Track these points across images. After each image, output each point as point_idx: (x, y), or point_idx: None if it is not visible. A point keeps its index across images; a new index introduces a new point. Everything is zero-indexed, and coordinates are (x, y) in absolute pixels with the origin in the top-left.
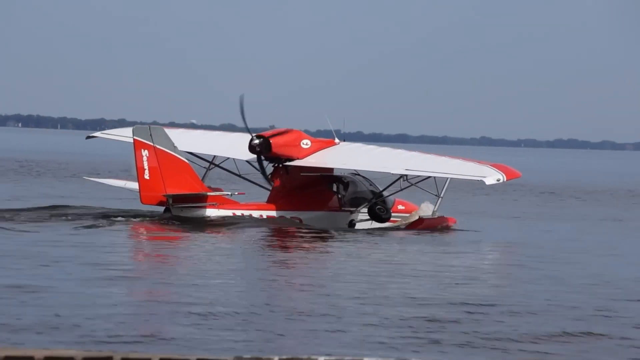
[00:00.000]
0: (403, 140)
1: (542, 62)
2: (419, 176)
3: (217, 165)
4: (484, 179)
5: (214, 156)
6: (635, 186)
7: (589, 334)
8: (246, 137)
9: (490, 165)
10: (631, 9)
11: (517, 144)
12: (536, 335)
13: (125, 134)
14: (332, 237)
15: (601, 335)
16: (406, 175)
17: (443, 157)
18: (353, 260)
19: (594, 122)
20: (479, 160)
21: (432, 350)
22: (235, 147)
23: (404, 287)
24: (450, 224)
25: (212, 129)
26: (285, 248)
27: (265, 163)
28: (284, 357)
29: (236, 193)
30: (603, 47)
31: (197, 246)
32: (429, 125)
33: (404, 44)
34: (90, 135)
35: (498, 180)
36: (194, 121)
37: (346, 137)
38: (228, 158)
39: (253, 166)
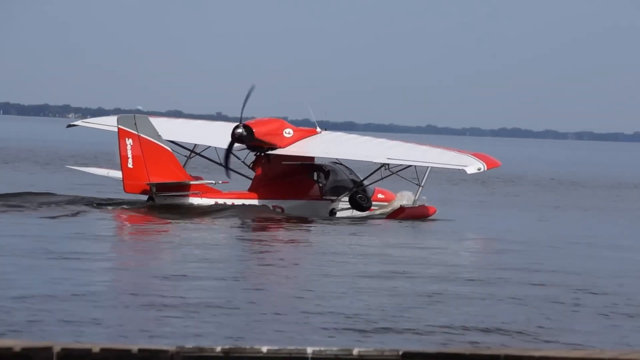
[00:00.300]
0: (351, 128)
1: (487, 51)
2: (400, 165)
3: (198, 154)
4: (465, 168)
5: (195, 145)
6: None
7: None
8: (228, 126)
9: (471, 155)
10: None
11: (462, 132)
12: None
13: (106, 123)
14: (312, 226)
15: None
16: (388, 164)
17: (424, 147)
18: (330, 251)
19: (537, 112)
20: (459, 149)
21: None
22: (217, 135)
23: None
24: (431, 213)
25: (158, 115)
26: (266, 237)
27: (240, 152)
28: (227, 346)
29: (220, 182)
30: (547, 36)
31: (178, 235)
32: (376, 114)
33: (353, 36)
34: (71, 124)
35: (479, 169)
36: (139, 107)
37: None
38: (209, 147)
39: (234, 155)
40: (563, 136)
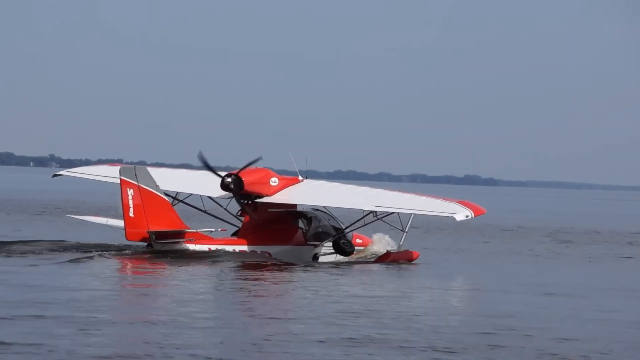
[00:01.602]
0: None
1: (325, 94)
2: (385, 212)
3: (181, 201)
4: (454, 215)
5: (177, 192)
6: None
7: None
8: (209, 175)
9: (457, 202)
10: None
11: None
12: None
13: (90, 172)
14: (298, 270)
15: None
16: (375, 212)
17: (409, 194)
18: (314, 293)
19: (372, 155)
20: (444, 197)
21: None
22: (199, 183)
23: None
24: (415, 257)
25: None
26: (257, 280)
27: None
28: None
29: (219, 230)
30: (384, 91)
31: (175, 279)
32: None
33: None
34: (57, 173)
35: (467, 216)
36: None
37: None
38: (191, 194)
39: (216, 202)
40: (397, 179)
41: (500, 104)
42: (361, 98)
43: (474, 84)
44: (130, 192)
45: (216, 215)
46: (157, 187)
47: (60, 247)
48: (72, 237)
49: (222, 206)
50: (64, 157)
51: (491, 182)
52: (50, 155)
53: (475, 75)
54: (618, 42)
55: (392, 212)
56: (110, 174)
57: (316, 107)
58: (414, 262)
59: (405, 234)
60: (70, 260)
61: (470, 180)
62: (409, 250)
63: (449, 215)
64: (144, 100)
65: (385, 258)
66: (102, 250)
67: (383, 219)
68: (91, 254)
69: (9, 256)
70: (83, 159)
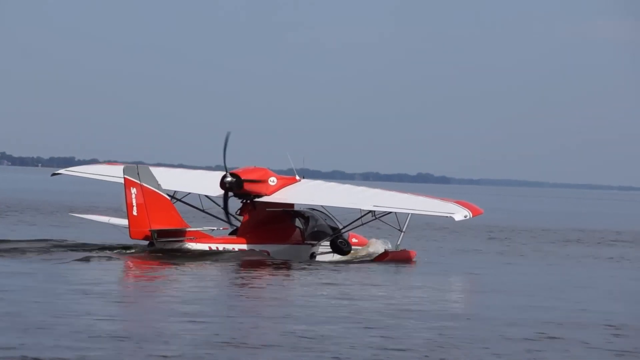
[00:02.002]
0: None
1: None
2: (384, 212)
3: (180, 200)
4: (452, 215)
5: (174, 191)
6: None
7: None
8: (207, 174)
9: (455, 202)
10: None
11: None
12: None
13: (89, 171)
14: (297, 269)
15: None
16: (374, 211)
17: (406, 194)
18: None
19: (325, 153)
20: (441, 197)
21: None
22: (196, 183)
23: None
24: (412, 256)
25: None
26: (256, 279)
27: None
28: None
29: (221, 228)
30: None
31: (176, 277)
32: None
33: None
34: (55, 172)
35: (465, 216)
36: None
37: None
38: (189, 193)
39: (213, 201)
40: (350, 177)
41: (452, 102)
42: (313, 95)
43: (426, 82)
44: (133, 190)
45: (213, 214)
46: (159, 186)
47: (63, 246)
48: (73, 236)
49: (219, 205)
50: (15, 154)
51: (444, 180)
52: (1, 153)
53: (428, 73)
54: (570, 42)
55: (390, 212)
56: (108, 172)
57: (269, 103)
58: (411, 261)
59: (402, 233)
60: (75, 260)
61: (422, 178)
62: (407, 249)
63: (448, 215)
64: (108, 97)
65: (383, 257)
66: (104, 249)
67: (381, 218)
68: (94, 254)
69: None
70: (35, 156)
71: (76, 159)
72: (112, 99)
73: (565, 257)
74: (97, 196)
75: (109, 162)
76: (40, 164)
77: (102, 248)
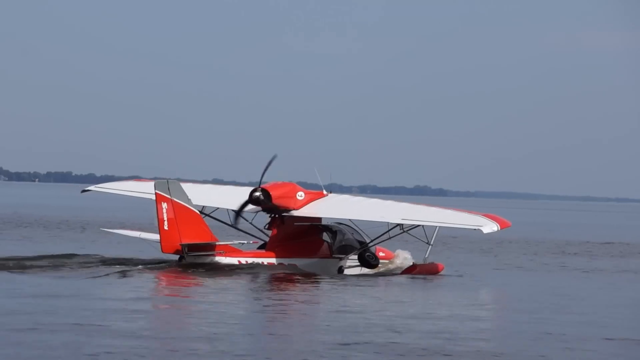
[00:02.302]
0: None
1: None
2: (412, 225)
3: (208, 215)
4: (481, 228)
5: (203, 206)
6: None
7: None
8: (235, 189)
9: (483, 215)
10: None
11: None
12: None
13: (118, 187)
14: (326, 282)
15: None
16: (402, 225)
17: (434, 207)
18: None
19: (322, 166)
20: (468, 210)
21: None
22: (225, 198)
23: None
24: (440, 269)
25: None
26: (285, 292)
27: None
28: None
29: (251, 242)
30: (329, 95)
31: (207, 290)
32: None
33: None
34: (85, 189)
35: (493, 229)
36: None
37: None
38: (217, 208)
39: (242, 216)
40: (348, 190)
41: (450, 113)
42: (309, 108)
43: (422, 90)
44: (164, 205)
45: (242, 229)
46: (189, 201)
47: (96, 260)
48: (104, 251)
49: (247, 220)
50: (12, 170)
51: (441, 192)
52: None
53: (423, 82)
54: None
55: (419, 225)
56: (138, 189)
57: (265, 118)
58: (439, 274)
59: (430, 246)
60: (107, 275)
61: (420, 191)
62: (435, 262)
63: (476, 228)
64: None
65: (411, 270)
66: (133, 265)
67: (409, 231)
68: (124, 268)
69: (43, 271)
70: (32, 171)
71: (73, 174)
72: (115, 109)
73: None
74: (118, 211)
75: (137, 178)
76: (37, 179)
77: (134, 263)
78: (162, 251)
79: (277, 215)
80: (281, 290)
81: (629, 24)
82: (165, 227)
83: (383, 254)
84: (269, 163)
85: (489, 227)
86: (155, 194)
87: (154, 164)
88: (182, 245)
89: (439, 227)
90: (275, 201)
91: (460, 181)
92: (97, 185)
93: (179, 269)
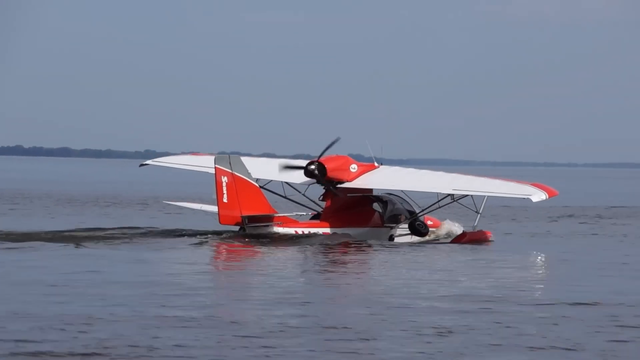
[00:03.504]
0: (67, 154)
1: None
2: (462, 195)
3: (262, 187)
4: (530, 197)
5: (257, 179)
6: None
7: None
8: (287, 162)
9: (531, 185)
10: None
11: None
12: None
13: (174, 161)
14: (380, 250)
15: None
16: (452, 195)
17: (483, 178)
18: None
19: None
20: (516, 180)
21: None
22: (277, 171)
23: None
24: (489, 237)
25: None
26: (341, 260)
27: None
28: None
29: (310, 214)
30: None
31: (266, 259)
32: (92, 139)
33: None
34: (143, 163)
35: (542, 198)
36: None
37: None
38: (271, 181)
39: (295, 188)
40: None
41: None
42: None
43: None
44: (224, 179)
45: (296, 200)
46: (249, 175)
47: (160, 232)
48: (166, 224)
49: (300, 192)
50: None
51: (465, 162)
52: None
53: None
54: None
55: (469, 195)
56: (195, 162)
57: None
58: (488, 241)
59: (479, 215)
60: (176, 246)
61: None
62: (483, 230)
63: (525, 197)
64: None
65: (461, 238)
66: (198, 235)
67: (459, 201)
68: (194, 239)
69: (106, 242)
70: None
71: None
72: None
73: None
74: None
75: (193, 152)
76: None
77: (194, 234)
78: (220, 222)
79: (330, 187)
80: (335, 258)
81: None
82: (225, 200)
83: (431, 223)
84: (331, 143)
85: (537, 195)
86: (215, 168)
87: (205, 142)
88: (242, 217)
89: (487, 196)
90: (330, 174)
91: (483, 152)
92: (154, 160)
93: (238, 239)
